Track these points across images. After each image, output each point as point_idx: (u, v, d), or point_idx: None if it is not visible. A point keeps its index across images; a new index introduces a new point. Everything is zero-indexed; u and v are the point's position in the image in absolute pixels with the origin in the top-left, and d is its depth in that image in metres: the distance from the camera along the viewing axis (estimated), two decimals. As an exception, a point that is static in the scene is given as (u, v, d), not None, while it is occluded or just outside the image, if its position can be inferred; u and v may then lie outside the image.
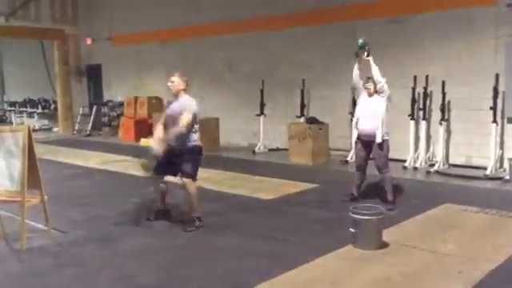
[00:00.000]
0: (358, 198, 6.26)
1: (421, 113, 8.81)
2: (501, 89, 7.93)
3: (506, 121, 8.13)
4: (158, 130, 5.48)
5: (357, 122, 6.22)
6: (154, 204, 5.80)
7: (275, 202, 6.58)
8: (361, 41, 6.28)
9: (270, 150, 10.97)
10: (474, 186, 7.30)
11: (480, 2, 8.28)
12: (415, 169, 8.59)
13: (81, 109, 15.95)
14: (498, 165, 8.07)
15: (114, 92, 15.39)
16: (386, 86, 6.05)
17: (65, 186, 7.61)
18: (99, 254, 4.70)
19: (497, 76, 7.87)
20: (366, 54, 6.21)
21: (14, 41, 17.70)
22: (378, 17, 9.47)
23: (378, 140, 5.99)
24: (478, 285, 3.87)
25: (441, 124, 8.47)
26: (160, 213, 5.71)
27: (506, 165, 8.05)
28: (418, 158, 8.80)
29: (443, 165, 8.50)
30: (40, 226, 5.24)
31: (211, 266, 4.34)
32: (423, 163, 8.72)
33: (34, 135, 4.94)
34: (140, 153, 5.85)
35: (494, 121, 7.86)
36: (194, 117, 5.33)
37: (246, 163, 9.76)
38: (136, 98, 13.73)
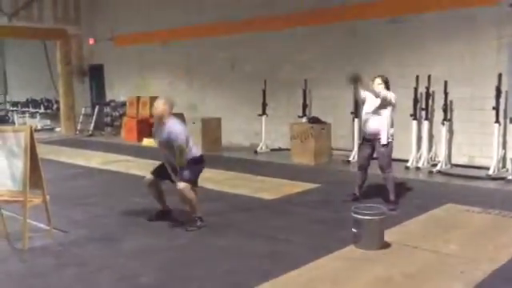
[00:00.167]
0: (360, 198, 6.24)
1: (423, 113, 8.80)
2: (503, 89, 7.90)
3: (508, 121, 8.10)
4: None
5: (365, 122, 6.12)
6: (156, 204, 5.79)
7: (277, 202, 6.57)
8: (350, 76, 6.02)
9: (272, 149, 10.96)
10: (476, 186, 7.28)
11: (482, 1, 8.25)
12: (417, 169, 8.57)
13: (83, 109, 15.97)
14: (501, 165, 8.04)
15: (117, 92, 15.42)
16: (393, 100, 5.97)
17: (67, 186, 7.62)
18: (101, 254, 4.71)
19: (499, 76, 7.84)
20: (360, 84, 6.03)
21: (16, 41, 17.76)
22: (379, 17, 9.46)
23: (383, 141, 5.96)
24: (480, 285, 3.85)
25: (443, 124, 8.45)
26: (161, 213, 5.71)
27: (509, 165, 8.05)
28: (420, 157, 8.78)
29: (445, 165, 8.48)
30: (42, 225, 5.25)
31: (212, 266, 4.34)
32: (425, 163, 8.70)
33: (36, 135, 4.95)
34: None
35: (497, 121, 7.84)
36: (186, 138, 5.33)
37: (248, 163, 9.76)
38: (138, 98, 13.74)
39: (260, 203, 6.54)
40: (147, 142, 11.90)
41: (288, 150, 10.12)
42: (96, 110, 15.50)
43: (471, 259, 4.35)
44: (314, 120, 9.70)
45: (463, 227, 5.33)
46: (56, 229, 5.19)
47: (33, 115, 17.57)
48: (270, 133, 11.03)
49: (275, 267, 4.22)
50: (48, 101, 17.48)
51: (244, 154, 10.75)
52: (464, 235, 5.08)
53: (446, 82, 8.39)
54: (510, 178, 7.50)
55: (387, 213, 4.99)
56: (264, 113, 10.88)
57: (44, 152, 9.11)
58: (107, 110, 15.37)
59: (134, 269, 4.33)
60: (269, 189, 7.30)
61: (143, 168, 7.96)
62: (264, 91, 10.84)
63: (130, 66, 14.78)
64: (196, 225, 5.34)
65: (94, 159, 10.29)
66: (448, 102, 8.44)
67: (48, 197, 4.95)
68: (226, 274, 4.19)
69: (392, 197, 6.06)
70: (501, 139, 8.05)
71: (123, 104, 14.62)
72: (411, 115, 8.72)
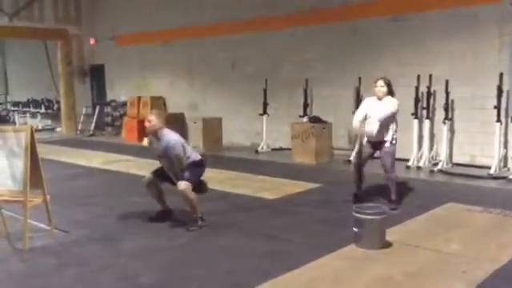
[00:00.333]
0: (361, 198, 6.22)
1: (424, 112, 8.78)
2: (505, 88, 7.89)
3: (510, 120, 8.09)
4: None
5: (370, 128, 5.94)
6: (156, 204, 5.78)
7: (278, 202, 6.56)
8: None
9: (273, 149, 10.95)
10: (477, 186, 7.27)
11: (484, 0, 8.23)
12: (419, 168, 8.55)
13: (84, 109, 15.98)
14: (502, 164, 8.03)
15: (117, 92, 15.42)
16: (395, 109, 5.88)
17: (67, 186, 7.62)
18: (101, 254, 4.70)
19: (501, 75, 7.82)
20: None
21: (17, 41, 17.77)
22: (380, 15, 9.45)
23: (388, 145, 5.91)
24: (482, 285, 3.84)
25: (444, 123, 8.43)
26: (161, 213, 5.70)
27: (510, 164, 8.03)
28: (421, 157, 8.77)
29: (447, 164, 8.47)
30: (42, 225, 5.24)
31: (213, 266, 4.33)
32: (427, 162, 8.69)
33: (36, 135, 4.94)
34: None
35: (498, 120, 7.82)
36: (183, 147, 5.33)
37: (249, 163, 9.75)
38: (139, 98, 13.74)
39: (261, 203, 6.53)
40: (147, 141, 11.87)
41: (289, 149, 10.11)
42: (97, 109, 15.51)
43: (473, 259, 4.34)
44: (315, 119, 9.69)
45: (464, 226, 5.32)
46: (57, 229, 5.18)
47: (34, 115, 17.59)
48: (271, 132, 11.02)
49: (276, 267, 4.21)
50: (49, 101, 17.49)
51: (245, 153, 10.75)
52: (465, 234, 5.07)
53: (447, 82, 8.37)
54: (511, 177, 7.48)
55: (388, 212, 4.98)
56: (265, 112, 10.87)
57: (45, 152, 9.11)
58: (108, 109, 15.37)
59: (134, 269, 4.32)
60: (270, 188, 7.29)
61: (144, 168, 7.96)
62: (265, 91, 10.83)
63: (130, 66, 14.78)
64: (197, 224, 5.34)
65: (95, 159, 10.29)
66: (449, 101, 8.43)
67: (48, 197, 4.95)
68: (227, 273, 4.18)
69: (393, 196, 6.04)
70: (502, 138, 8.04)
71: (124, 104, 14.62)
72: (412, 114, 8.71)
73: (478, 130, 8.39)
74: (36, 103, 17.82)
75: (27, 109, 17.92)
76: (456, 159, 8.65)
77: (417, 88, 8.69)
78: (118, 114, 14.94)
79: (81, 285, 4.03)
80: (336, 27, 10.09)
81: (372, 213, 4.65)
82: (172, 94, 13.67)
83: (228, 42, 11.98)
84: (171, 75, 13.69)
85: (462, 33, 8.51)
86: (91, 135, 14.91)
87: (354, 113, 9.30)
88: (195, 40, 12.76)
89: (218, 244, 4.92)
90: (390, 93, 6.01)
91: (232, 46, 11.91)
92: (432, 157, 8.84)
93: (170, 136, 5.36)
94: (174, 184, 5.34)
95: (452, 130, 8.69)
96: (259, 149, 10.86)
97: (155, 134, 5.40)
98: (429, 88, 8.64)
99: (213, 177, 7.55)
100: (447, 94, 8.38)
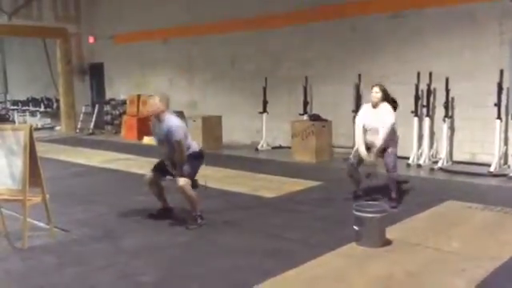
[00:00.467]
0: (362, 196, 6.22)
1: (424, 109, 8.76)
2: (505, 85, 7.87)
3: (510, 117, 8.07)
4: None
5: (370, 139, 5.96)
6: (157, 202, 5.77)
7: (278, 200, 6.55)
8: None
9: (273, 147, 10.94)
10: (478, 183, 7.26)
11: (484, -3, 8.23)
12: (419, 166, 8.54)
13: (83, 107, 15.97)
14: (503, 161, 8.02)
15: (117, 90, 15.41)
16: (393, 120, 5.89)
17: (67, 185, 7.60)
18: (102, 253, 4.68)
19: (501, 72, 7.81)
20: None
21: (16, 39, 17.75)
22: (379, 12, 9.43)
23: (391, 147, 5.91)
24: (482, 283, 3.83)
25: (444, 121, 8.42)
26: (162, 211, 5.69)
27: (511, 161, 8.01)
28: (421, 155, 8.76)
29: (447, 162, 8.45)
30: (42, 224, 5.23)
31: (213, 264, 4.32)
32: (427, 160, 8.68)
33: (36, 134, 4.94)
34: None
35: (499, 117, 7.81)
36: (185, 133, 5.31)
37: (249, 161, 9.74)
38: (139, 96, 13.72)
39: (261, 201, 6.52)
40: (147, 140, 11.88)
41: (289, 147, 10.09)
42: (96, 108, 15.49)
43: (473, 256, 4.33)
44: (315, 117, 9.67)
45: (465, 224, 5.31)
46: (56, 227, 5.17)
47: (33, 114, 17.58)
48: (270, 130, 11.01)
49: (276, 265, 4.20)
50: (48, 99, 17.48)
51: (245, 151, 10.73)
52: (466, 232, 5.06)
53: (447, 79, 8.35)
54: (511, 174, 7.47)
55: (389, 210, 4.97)
56: (265, 110, 10.85)
57: (44, 151, 9.10)
58: (107, 108, 15.36)
59: (135, 267, 4.31)
60: (270, 187, 7.28)
61: (143, 166, 7.93)
62: (265, 89, 10.82)
63: (130, 64, 14.77)
64: (196, 223, 5.32)
65: (95, 158, 10.28)
66: (449, 99, 8.41)
67: (48, 195, 4.93)
68: (227, 271, 4.17)
69: (394, 194, 6.04)
70: (502, 136, 8.03)
71: (123, 102, 14.61)
72: (412, 112, 8.69)
73: (478, 127, 8.37)
74: (35, 102, 17.81)
75: (27, 107, 17.91)
76: (456, 157, 8.64)
77: (417, 85, 8.67)
78: (117, 112, 14.93)
79: (81, 284, 4.01)
80: (335, 25, 10.08)
81: (372, 211, 4.64)
82: (171, 92, 13.63)
83: (228, 40, 11.96)
84: (171, 73, 13.67)
85: (462, 30, 8.49)
86: (91, 134, 14.90)
87: (353, 111, 9.43)
88: (195, 38, 12.74)
89: (219, 242, 4.91)
90: (386, 99, 6.00)
91: (232, 43, 11.90)
92: (432, 155, 8.83)
93: (173, 121, 5.32)
94: (173, 176, 5.32)
95: (452, 128, 8.67)
96: (259, 147, 10.85)
97: (158, 117, 5.36)
98: (429, 86, 8.62)
99: (212, 175, 7.56)
100: (447, 91, 8.37)
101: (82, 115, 15.89)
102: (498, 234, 4.98)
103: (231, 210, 6.11)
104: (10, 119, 18.41)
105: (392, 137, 5.94)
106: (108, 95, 15.72)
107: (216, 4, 12.06)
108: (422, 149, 8.80)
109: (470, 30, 8.40)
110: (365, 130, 6.03)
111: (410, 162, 8.59)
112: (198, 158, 5.44)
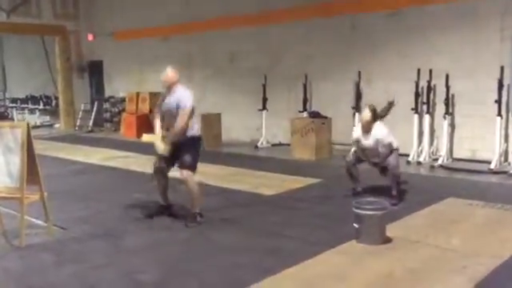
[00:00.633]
0: (362, 193, 6.20)
1: (424, 106, 8.73)
2: (506, 82, 7.84)
3: (510, 114, 8.05)
4: (157, 128, 5.43)
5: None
6: (156, 200, 5.75)
7: (278, 198, 6.53)
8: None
9: (273, 145, 10.92)
10: (478, 180, 7.24)
11: (485, -7, 8.19)
12: (419, 163, 8.52)
13: (82, 105, 15.94)
14: (503, 158, 7.99)
15: (116, 88, 15.37)
16: (389, 139, 5.94)
17: (66, 182, 7.57)
18: (100, 251, 4.66)
19: (502, 69, 7.78)
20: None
21: (15, 37, 17.70)
22: (379, 9, 9.39)
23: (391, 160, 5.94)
24: (483, 280, 3.80)
25: (445, 118, 8.39)
26: (162, 208, 5.67)
27: (511, 158, 7.99)
28: (421, 152, 8.73)
29: (447, 159, 8.43)
30: (40, 222, 5.20)
31: (213, 262, 4.30)
32: (427, 157, 8.65)
33: (35, 131, 4.93)
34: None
35: (499, 114, 7.78)
36: (192, 108, 5.27)
37: (249, 158, 9.71)
38: (138, 94, 13.69)
39: (261, 199, 6.50)
40: (146, 137, 11.81)
41: (289, 145, 10.07)
42: (95, 106, 15.46)
43: (474, 254, 4.31)
44: (315, 114, 9.65)
45: (465, 222, 5.29)
46: (55, 225, 5.14)
47: (32, 111, 17.56)
48: (270, 128, 10.98)
49: (276, 262, 4.18)
50: (47, 97, 17.46)
51: (244, 149, 10.71)
52: (466, 230, 5.04)
53: (447, 76, 8.32)
54: (512, 171, 7.46)
55: (389, 208, 4.94)
56: (264, 108, 10.83)
57: (43, 148, 9.08)
58: (106, 105, 15.33)
59: (134, 265, 4.28)
60: (270, 184, 7.25)
61: (142, 164, 7.92)
62: (264, 86, 10.79)
63: (129, 62, 14.73)
64: (196, 221, 5.30)
65: (94, 155, 10.25)
66: (450, 96, 8.38)
67: (46, 193, 4.91)
68: (227, 269, 4.15)
69: (394, 192, 6.01)
70: (503, 133, 8.00)
71: (122, 100, 14.58)
72: (412, 109, 8.66)
73: (478, 124, 8.35)
74: (34, 99, 17.79)
75: (25, 105, 17.89)
76: (456, 154, 8.61)
77: (417, 82, 8.64)
78: (116, 110, 14.91)
79: (79, 282, 3.99)
80: (335, 21, 10.04)
81: (372, 208, 4.62)
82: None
83: (227, 37, 11.92)
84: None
85: (463, 26, 8.45)
86: (90, 131, 14.87)
87: (353, 108, 9.40)
88: (194, 35, 12.70)
89: (218, 240, 4.89)
90: (375, 118, 5.95)
91: (231, 40, 11.86)
92: (432, 152, 8.81)
93: (186, 91, 5.33)
94: (174, 159, 5.27)
95: (452, 125, 8.65)
96: (259, 144, 10.83)
97: (170, 88, 5.35)
98: (429, 82, 8.59)
99: (212, 172, 7.55)
100: (447, 88, 8.33)
101: (81, 113, 15.86)
102: (498, 231, 4.96)
103: (231, 207, 6.09)
104: (9, 117, 18.37)
105: (389, 146, 5.96)
106: (107, 93, 15.69)
107: (215, 1, 12.02)
108: (422, 146, 8.77)
109: (471, 27, 8.37)
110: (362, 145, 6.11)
111: (410, 159, 8.56)
112: (197, 146, 5.40)
